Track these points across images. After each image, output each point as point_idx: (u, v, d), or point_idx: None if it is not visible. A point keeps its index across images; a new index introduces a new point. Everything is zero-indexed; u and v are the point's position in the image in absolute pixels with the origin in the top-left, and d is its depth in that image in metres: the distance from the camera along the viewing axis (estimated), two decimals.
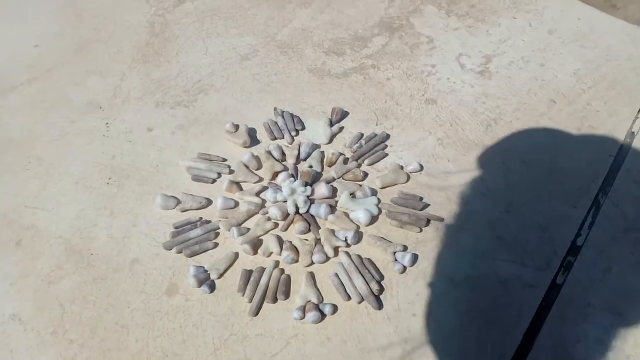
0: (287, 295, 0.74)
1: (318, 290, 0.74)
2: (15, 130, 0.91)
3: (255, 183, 0.84)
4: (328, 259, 0.77)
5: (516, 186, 0.84)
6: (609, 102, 0.94)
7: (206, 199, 0.82)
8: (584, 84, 0.97)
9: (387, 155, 0.88)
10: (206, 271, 0.76)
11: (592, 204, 0.82)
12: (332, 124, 0.91)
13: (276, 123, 0.91)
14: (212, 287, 0.75)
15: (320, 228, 0.80)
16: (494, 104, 0.94)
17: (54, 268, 0.77)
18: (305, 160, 0.87)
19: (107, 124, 0.91)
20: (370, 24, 1.07)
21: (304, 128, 0.91)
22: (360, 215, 0.79)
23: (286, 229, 0.80)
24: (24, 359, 0.70)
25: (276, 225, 0.80)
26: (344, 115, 0.92)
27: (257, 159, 0.86)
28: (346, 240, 0.78)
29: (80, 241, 0.79)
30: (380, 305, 0.73)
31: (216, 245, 0.79)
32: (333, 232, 0.79)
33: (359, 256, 0.77)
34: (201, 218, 0.81)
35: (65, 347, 0.70)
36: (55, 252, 0.78)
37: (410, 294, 0.74)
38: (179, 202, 0.82)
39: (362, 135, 0.90)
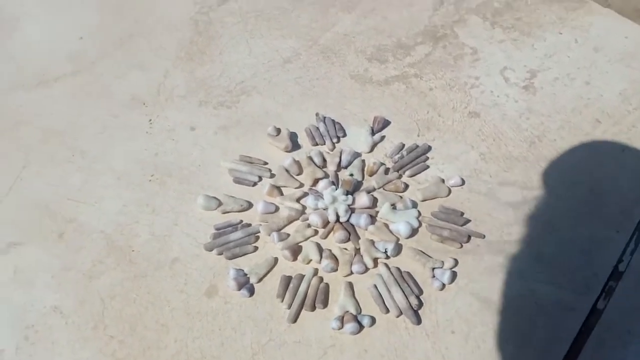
0: (325, 304, 0.74)
1: (356, 300, 0.75)
2: (58, 121, 0.92)
3: (296, 188, 0.84)
4: (367, 269, 0.77)
5: (557, 206, 0.83)
6: None
7: (247, 201, 0.83)
8: (630, 105, 0.95)
9: (428, 167, 0.87)
10: (246, 274, 0.76)
11: (635, 229, 0.81)
12: (373, 133, 0.90)
13: (317, 128, 0.91)
14: (251, 291, 0.75)
15: (359, 238, 0.80)
16: (537, 121, 0.93)
17: (95, 262, 0.78)
18: (345, 167, 0.87)
19: (150, 120, 0.92)
20: (413, 32, 1.06)
21: (345, 135, 0.91)
22: (400, 227, 0.79)
23: (326, 237, 0.80)
24: (64, 351, 0.71)
25: (316, 232, 0.80)
26: (386, 124, 0.92)
27: (298, 163, 0.86)
28: (386, 252, 0.78)
29: (121, 237, 0.80)
30: (418, 320, 0.73)
31: (256, 248, 0.79)
32: (372, 242, 0.79)
33: (398, 269, 0.77)
34: (241, 220, 0.81)
35: (105, 342, 0.71)
36: (96, 246, 0.79)
37: (449, 311, 0.74)
38: (220, 203, 0.82)
39: (404, 145, 0.89)
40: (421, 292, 0.75)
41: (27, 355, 0.70)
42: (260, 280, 0.76)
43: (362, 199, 0.82)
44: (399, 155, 0.88)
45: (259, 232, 0.80)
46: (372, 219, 0.81)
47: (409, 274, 0.77)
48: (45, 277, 0.76)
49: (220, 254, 0.78)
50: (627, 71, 1.00)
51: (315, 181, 0.85)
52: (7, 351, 0.70)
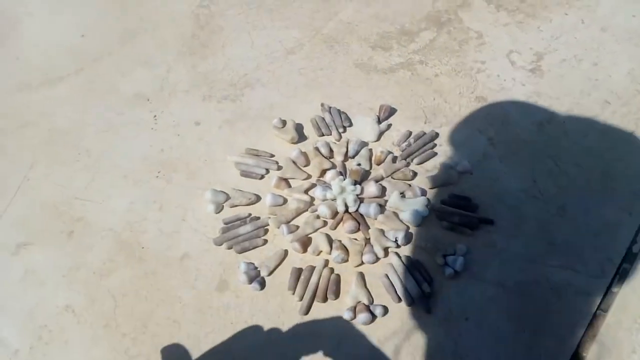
0: (337, 294, 0.74)
1: (368, 290, 0.74)
2: (63, 121, 0.92)
3: (304, 180, 0.84)
4: (378, 259, 0.76)
5: (568, 189, 0.82)
6: None
7: (255, 194, 0.82)
8: (639, 84, 0.94)
9: (436, 154, 0.86)
10: (256, 268, 0.76)
11: None
12: (379, 121, 0.90)
13: (323, 119, 0.90)
14: (262, 284, 0.75)
15: (369, 227, 0.79)
16: (546, 103, 0.91)
17: (105, 261, 0.77)
18: (353, 157, 0.86)
19: (155, 116, 0.91)
20: (417, 18, 1.05)
21: (351, 124, 0.90)
22: (410, 216, 0.79)
23: (335, 228, 0.79)
24: (77, 350, 0.71)
25: (325, 223, 0.80)
26: (392, 112, 0.91)
27: (305, 155, 0.85)
28: (396, 241, 0.77)
29: (130, 234, 0.80)
30: (431, 308, 0.72)
31: (265, 241, 0.78)
32: (382, 232, 0.78)
33: (409, 257, 0.77)
34: (250, 214, 0.81)
35: (117, 340, 0.71)
36: (105, 244, 0.79)
37: (462, 298, 0.73)
38: (228, 197, 0.82)
39: (410, 133, 0.88)
40: (433, 279, 0.75)
41: (42, 355, 0.71)
42: (271, 273, 0.76)
43: (371, 188, 0.81)
44: (406, 143, 0.87)
45: (268, 225, 0.80)
46: (382, 208, 0.80)
47: (420, 262, 0.76)
48: (55, 277, 0.76)
49: (229, 248, 0.77)
50: (636, 50, 0.99)
51: (323, 172, 0.84)
52: (21, 351, 0.71)
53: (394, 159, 0.85)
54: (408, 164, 0.85)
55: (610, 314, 0.72)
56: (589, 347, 0.70)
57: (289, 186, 0.83)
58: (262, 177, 0.84)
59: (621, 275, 0.75)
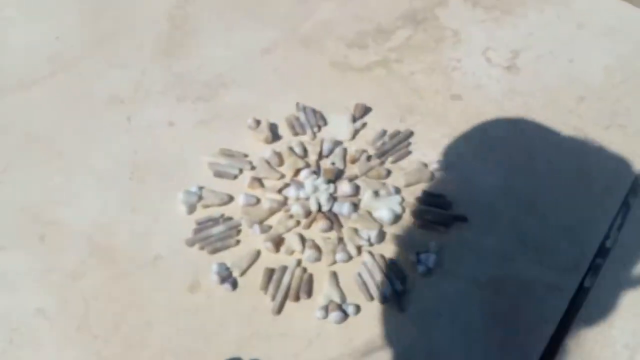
0: (309, 294, 0.74)
1: (341, 289, 0.74)
2: (37, 125, 0.91)
3: (277, 180, 0.83)
4: (351, 257, 0.76)
5: (542, 185, 0.83)
6: (639, 99, 0.91)
7: (228, 194, 0.82)
8: (614, 79, 0.94)
9: (410, 152, 0.86)
10: (228, 268, 0.76)
11: (621, 205, 0.80)
12: (354, 120, 0.89)
13: (298, 118, 0.90)
14: (235, 285, 0.75)
15: (342, 226, 0.79)
16: (521, 100, 0.92)
17: (77, 263, 0.77)
18: (327, 156, 0.86)
19: (129, 118, 0.91)
20: (393, 16, 1.05)
21: (326, 124, 0.90)
22: (383, 214, 0.79)
23: (308, 227, 0.79)
24: (49, 352, 0.70)
25: (298, 222, 0.80)
26: (367, 110, 0.91)
27: (279, 155, 0.85)
28: (369, 240, 0.77)
29: (102, 237, 0.79)
30: (404, 306, 0.72)
31: (238, 242, 0.78)
32: (356, 230, 0.78)
33: (382, 256, 0.76)
34: (223, 214, 0.80)
35: (89, 342, 0.71)
36: (78, 247, 0.78)
37: (435, 295, 0.73)
38: (200, 197, 0.81)
39: (385, 131, 0.88)
40: (406, 277, 0.75)
41: (14, 358, 0.70)
42: (243, 273, 0.76)
43: (344, 187, 0.81)
44: (381, 142, 0.87)
45: (241, 225, 0.79)
46: (355, 206, 0.80)
47: (393, 260, 0.76)
48: (28, 280, 0.76)
49: (202, 248, 0.77)
50: (611, 46, 0.99)
51: (297, 171, 0.84)
52: None
53: (369, 158, 0.85)
54: (382, 163, 0.85)
55: (582, 309, 0.72)
56: (561, 341, 0.70)
57: (263, 186, 0.83)
58: (236, 177, 0.84)
59: (594, 270, 0.75)
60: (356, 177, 0.84)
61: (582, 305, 0.72)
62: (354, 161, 0.85)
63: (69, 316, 0.73)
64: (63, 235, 0.79)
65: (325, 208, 0.80)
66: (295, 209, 0.79)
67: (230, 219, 0.80)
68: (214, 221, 0.79)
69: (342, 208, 0.79)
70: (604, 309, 0.72)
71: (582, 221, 0.79)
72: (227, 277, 0.75)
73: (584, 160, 0.85)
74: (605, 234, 0.78)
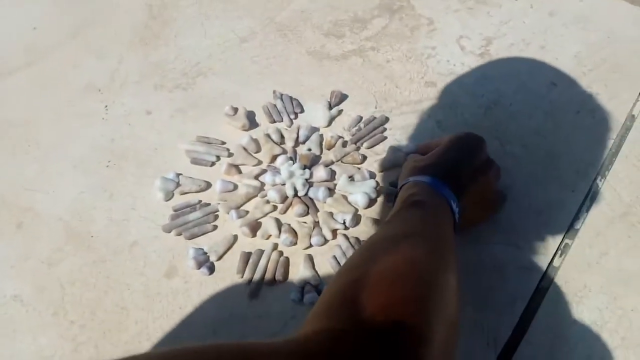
0: (285, 277, 0.75)
1: (316, 272, 0.75)
2: (13, 114, 0.91)
3: (254, 166, 0.84)
4: (326, 241, 0.78)
5: (513, 170, 0.84)
6: (609, 85, 0.93)
7: (205, 181, 0.82)
8: (584, 67, 0.96)
9: (385, 138, 0.88)
10: (205, 253, 0.76)
11: (590, 187, 0.82)
12: (330, 107, 0.90)
13: (275, 106, 0.91)
14: (212, 269, 0.75)
15: (318, 211, 0.80)
16: (493, 87, 0.93)
17: (54, 250, 0.77)
18: (304, 143, 0.87)
19: (106, 106, 0.91)
20: (370, 5, 1.06)
21: (302, 111, 0.91)
22: (358, 198, 0.80)
23: (285, 212, 0.80)
24: (25, 338, 0.71)
25: (275, 207, 0.80)
26: (343, 98, 0.92)
27: (256, 141, 0.86)
28: (344, 223, 0.78)
29: (79, 223, 0.80)
30: None
31: (215, 227, 0.79)
32: (331, 214, 0.79)
33: (357, 239, 0.78)
34: (200, 201, 0.81)
35: (65, 327, 0.71)
36: (54, 234, 0.79)
37: None
38: (178, 184, 0.82)
39: (361, 118, 0.89)
40: None
41: None
42: (220, 258, 0.76)
43: (320, 173, 0.82)
44: (356, 128, 0.88)
45: (218, 211, 0.80)
46: (330, 191, 0.81)
47: None
48: (3, 268, 0.76)
49: (179, 234, 0.78)
50: (582, 34, 1.01)
51: (274, 158, 0.85)
52: None
53: (344, 144, 0.87)
54: (358, 148, 0.86)
55: (551, 288, 0.74)
56: (530, 319, 0.71)
57: (240, 172, 0.84)
58: (213, 164, 0.85)
59: (562, 250, 0.77)
60: (332, 162, 0.85)
61: (551, 284, 0.74)
62: (330, 147, 0.86)
63: (45, 302, 0.73)
64: (39, 223, 0.80)
65: (301, 193, 0.81)
66: (272, 194, 0.80)
67: (207, 205, 0.81)
68: (191, 207, 0.80)
69: (318, 193, 0.80)
70: (572, 287, 0.74)
71: (553, 204, 0.81)
72: (204, 262, 0.75)
73: (554, 144, 0.87)
74: (574, 215, 0.80)
